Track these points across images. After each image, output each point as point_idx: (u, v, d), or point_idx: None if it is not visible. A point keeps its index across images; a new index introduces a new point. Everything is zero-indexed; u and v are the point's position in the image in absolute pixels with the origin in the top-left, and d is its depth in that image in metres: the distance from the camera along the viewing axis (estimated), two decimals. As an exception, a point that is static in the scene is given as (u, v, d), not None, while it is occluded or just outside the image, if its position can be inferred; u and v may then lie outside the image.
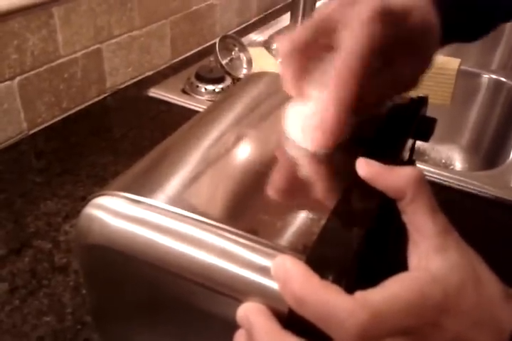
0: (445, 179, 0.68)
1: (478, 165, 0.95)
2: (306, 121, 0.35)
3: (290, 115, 0.38)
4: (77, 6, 0.77)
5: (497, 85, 0.95)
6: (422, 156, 1.00)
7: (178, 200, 0.31)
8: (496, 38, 1.22)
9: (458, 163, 0.99)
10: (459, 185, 0.67)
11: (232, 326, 0.28)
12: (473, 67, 1.00)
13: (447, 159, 1.00)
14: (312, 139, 0.34)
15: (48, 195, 0.62)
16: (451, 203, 0.64)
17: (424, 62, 0.38)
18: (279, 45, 0.36)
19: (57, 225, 0.57)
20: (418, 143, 0.80)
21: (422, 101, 0.43)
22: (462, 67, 0.91)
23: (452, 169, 0.96)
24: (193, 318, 0.31)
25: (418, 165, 0.70)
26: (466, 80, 0.96)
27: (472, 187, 0.66)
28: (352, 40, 0.32)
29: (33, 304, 0.47)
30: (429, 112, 0.47)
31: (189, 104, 0.83)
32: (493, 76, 0.96)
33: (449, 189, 0.67)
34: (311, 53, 0.36)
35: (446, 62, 0.94)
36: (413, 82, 0.39)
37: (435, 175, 0.68)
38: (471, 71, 0.97)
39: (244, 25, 1.20)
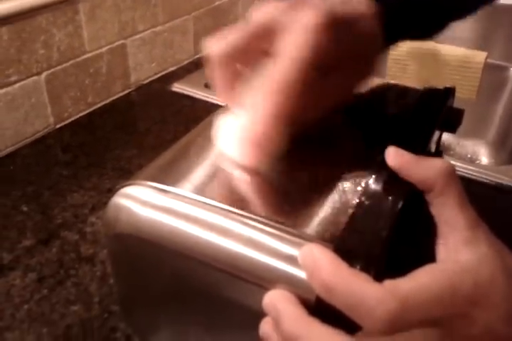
0: (471, 173, 0.67)
1: (504, 160, 0.93)
2: (238, 133, 0.32)
3: (222, 126, 0.34)
4: (103, 1, 0.78)
5: (525, 78, 0.93)
6: (448, 151, 0.99)
7: (203, 190, 0.31)
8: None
9: (484, 157, 0.98)
10: (485, 179, 0.66)
11: (259, 314, 0.28)
12: (501, 60, 0.98)
13: (473, 154, 0.99)
14: (243, 153, 0.31)
15: (75, 188, 0.63)
16: (477, 197, 0.63)
17: (366, 71, 0.36)
18: (210, 49, 0.33)
19: (83, 217, 0.58)
20: (443, 137, 0.79)
21: (449, 92, 0.42)
22: (488, 60, 0.89)
23: (478, 163, 0.95)
24: (220, 307, 0.32)
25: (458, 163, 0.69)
26: (492, 73, 0.94)
27: (498, 181, 0.65)
28: (293, 47, 0.29)
29: (61, 293, 0.48)
30: (455, 106, 0.47)
31: (212, 98, 0.83)
32: (521, 69, 0.94)
33: (475, 183, 0.66)
34: (245, 58, 0.33)
35: (472, 55, 0.92)
36: (352, 91, 0.37)
37: (461, 169, 0.67)
38: (497, 64, 0.95)
39: (266, 20, 1.20)
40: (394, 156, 0.30)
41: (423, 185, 0.28)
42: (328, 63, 0.32)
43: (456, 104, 0.43)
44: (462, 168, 0.67)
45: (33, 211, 0.59)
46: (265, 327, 0.27)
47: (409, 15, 0.37)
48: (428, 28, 0.40)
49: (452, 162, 0.68)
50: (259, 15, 0.32)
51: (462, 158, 0.97)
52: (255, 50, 0.32)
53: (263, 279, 0.28)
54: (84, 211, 0.59)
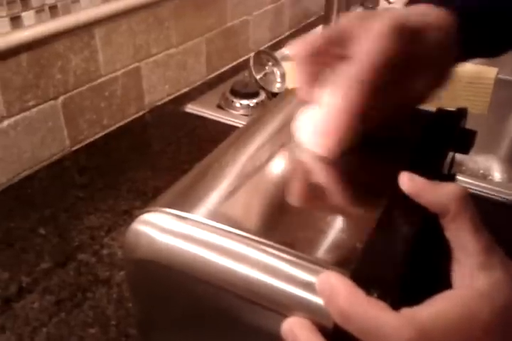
0: (482, 190, 0.67)
1: (518, 176, 0.93)
2: (316, 127, 0.37)
3: (301, 119, 0.39)
4: (118, 26, 0.80)
5: (536, 94, 0.93)
6: (460, 167, 0.99)
7: (221, 216, 0.32)
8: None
9: (497, 173, 0.97)
10: (495, 196, 0.66)
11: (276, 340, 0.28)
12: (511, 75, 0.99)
13: (485, 170, 0.98)
14: (320, 144, 0.36)
15: (91, 210, 0.64)
16: (489, 214, 0.63)
17: (437, 79, 0.38)
18: (294, 48, 0.37)
19: (99, 239, 0.59)
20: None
21: (462, 113, 0.43)
22: (500, 76, 0.90)
23: (490, 180, 0.94)
24: (238, 332, 0.32)
25: (458, 176, 0.69)
26: (503, 89, 0.94)
27: (510, 197, 0.65)
28: (367, 52, 0.33)
29: (78, 316, 0.48)
30: (467, 122, 0.47)
31: (224, 118, 0.84)
32: (532, 85, 0.94)
33: (487, 200, 0.66)
34: (324, 61, 0.37)
35: (483, 71, 0.93)
36: (425, 97, 0.39)
37: (472, 186, 0.67)
38: (509, 79, 0.95)
39: (277, 39, 1.21)
40: (407, 181, 0.31)
41: (437, 210, 0.29)
42: (400, 68, 0.35)
43: (468, 119, 0.44)
44: (473, 184, 0.67)
45: (50, 234, 0.60)
46: (284, 353, 0.27)
47: (485, 30, 0.39)
48: (501, 45, 0.42)
49: (463, 179, 0.68)
50: (339, 24, 0.36)
51: (474, 174, 0.97)
52: (333, 54, 0.36)
53: (281, 306, 0.28)
54: (100, 233, 0.60)
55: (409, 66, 0.36)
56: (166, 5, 0.87)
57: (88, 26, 0.75)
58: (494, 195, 0.66)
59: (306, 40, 0.37)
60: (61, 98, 0.74)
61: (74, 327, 0.47)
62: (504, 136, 0.98)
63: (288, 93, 0.53)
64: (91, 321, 0.48)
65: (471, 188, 0.67)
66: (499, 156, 0.99)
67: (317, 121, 0.36)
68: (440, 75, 0.39)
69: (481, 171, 0.98)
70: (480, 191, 0.67)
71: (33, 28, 0.68)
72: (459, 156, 1.01)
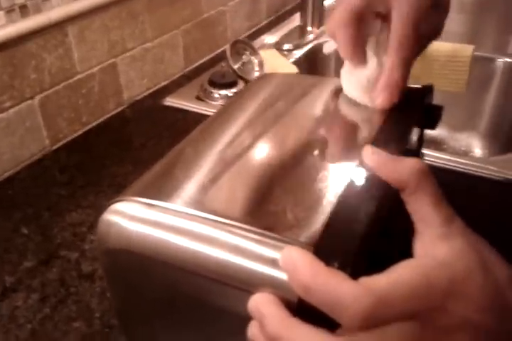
0: (464, 166, 0.67)
1: (498, 151, 0.93)
2: (365, 82, 0.40)
3: (348, 77, 0.42)
4: (91, 23, 0.79)
5: (512, 69, 0.94)
6: (441, 145, 0.99)
7: (191, 202, 0.32)
8: (510, 20, 1.20)
9: (478, 149, 0.98)
10: (475, 171, 0.66)
11: (249, 319, 0.28)
12: (488, 52, 0.99)
13: (467, 147, 0.99)
14: (381, 97, 0.39)
15: (73, 207, 0.64)
16: (468, 189, 0.64)
17: (445, 13, 0.43)
18: (336, 12, 0.40)
19: (82, 235, 0.59)
20: (436, 132, 0.79)
21: (428, 89, 0.43)
22: (476, 53, 0.90)
23: (472, 156, 0.95)
24: (212, 314, 0.32)
25: (436, 153, 0.70)
26: (481, 66, 0.94)
27: (488, 172, 0.65)
28: (406, 7, 0.37)
29: (62, 311, 0.49)
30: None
31: (204, 110, 0.84)
32: (508, 59, 0.94)
33: (469, 176, 0.67)
34: (366, 20, 0.40)
35: (459, 49, 0.93)
36: (440, 29, 0.43)
37: (454, 163, 0.67)
38: (485, 56, 0.96)
39: (255, 28, 1.21)
40: (370, 155, 0.31)
41: (397, 184, 0.29)
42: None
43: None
44: (452, 161, 0.68)
45: (33, 232, 0.60)
46: (252, 329, 0.27)
47: None
48: None
49: (442, 156, 0.69)
50: None
51: (456, 152, 0.98)
52: (373, 13, 0.40)
53: (249, 284, 0.28)
54: (82, 229, 0.60)
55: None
56: (138, -1, 0.87)
57: (60, 24, 0.75)
58: (476, 170, 0.67)
59: (348, 3, 0.39)
60: (38, 97, 0.74)
61: (58, 322, 0.48)
62: (483, 112, 0.98)
63: (261, 79, 0.53)
64: (75, 315, 0.48)
65: (453, 165, 0.68)
66: (479, 133, 1.00)
67: (370, 78, 0.40)
68: (445, 10, 0.43)
69: (463, 148, 0.99)
70: (462, 168, 0.67)
71: (3, 29, 0.67)
72: (439, 135, 1.02)
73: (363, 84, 0.41)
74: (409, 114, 0.40)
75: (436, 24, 0.42)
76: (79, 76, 0.80)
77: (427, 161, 0.67)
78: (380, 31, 0.41)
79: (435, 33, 0.43)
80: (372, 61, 0.40)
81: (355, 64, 0.41)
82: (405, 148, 0.38)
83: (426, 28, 0.40)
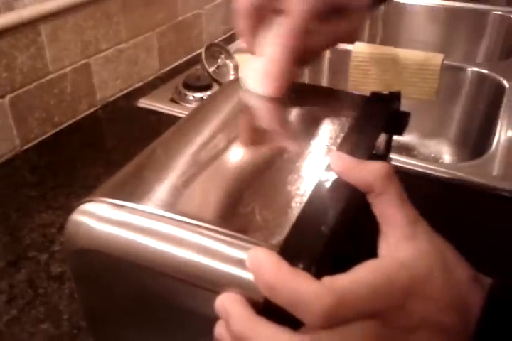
0: (433, 172, 0.69)
1: (466, 157, 0.96)
2: (259, 72, 0.43)
3: (246, 68, 0.45)
4: (64, 22, 0.79)
5: (481, 78, 0.96)
6: (412, 151, 1.01)
7: (161, 203, 0.32)
8: (480, 31, 1.24)
9: (447, 156, 1.01)
10: (444, 177, 0.68)
11: (216, 319, 0.29)
12: (458, 61, 1.02)
13: (436, 153, 1.01)
14: (264, 85, 0.42)
15: (43, 208, 0.63)
16: (437, 194, 0.66)
17: (356, 21, 0.44)
18: (238, 3, 0.42)
19: (51, 236, 0.58)
20: (407, 138, 0.80)
21: (395, 95, 0.44)
22: (446, 62, 0.92)
23: (441, 162, 0.97)
24: (181, 316, 0.32)
25: (407, 159, 0.71)
26: (450, 74, 0.97)
27: (456, 178, 0.67)
28: (297, 6, 0.40)
29: (30, 313, 0.48)
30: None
31: (178, 112, 0.84)
32: (476, 69, 0.97)
33: (439, 181, 0.69)
34: (264, 15, 0.42)
35: (429, 57, 0.95)
36: (351, 36, 0.45)
37: (421, 169, 0.69)
38: (454, 65, 0.98)
39: (230, 32, 1.22)
40: (337, 160, 0.32)
41: (363, 187, 0.30)
42: (326, 14, 0.42)
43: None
44: (422, 167, 0.69)
45: (1, 233, 0.59)
46: (219, 329, 0.28)
47: None
48: None
49: (412, 161, 0.70)
50: None
51: (426, 158, 1.00)
52: (271, 9, 0.42)
53: (216, 284, 0.29)
54: (52, 230, 0.59)
55: (334, 11, 0.42)
56: (113, 0, 0.87)
57: (33, 23, 0.74)
58: (445, 176, 0.68)
59: None
60: (8, 97, 0.73)
61: (25, 323, 0.47)
62: (453, 119, 1.01)
63: (232, 82, 0.54)
64: (43, 317, 0.48)
65: (422, 171, 0.69)
66: (449, 139, 1.02)
67: (260, 68, 0.42)
68: (357, 19, 0.44)
69: (433, 155, 1.01)
70: (431, 173, 0.69)
71: (-27, 26, 0.66)
72: (410, 141, 1.04)
73: (258, 74, 0.43)
74: (376, 119, 0.41)
75: (342, 30, 0.44)
76: (51, 76, 0.79)
77: (396, 167, 0.68)
78: (279, 25, 0.43)
79: (340, 37, 0.44)
80: (265, 53, 0.43)
81: (252, 54, 0.44)
82: (372, 153, 0.38)
83: (328, 29, 0.42)
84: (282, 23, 0.41)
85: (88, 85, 0.86)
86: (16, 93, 0.74)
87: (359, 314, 0.24)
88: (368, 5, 0.44)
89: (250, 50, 0.44)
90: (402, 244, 0.28)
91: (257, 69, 0.43)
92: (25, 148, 0.77)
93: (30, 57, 0.75)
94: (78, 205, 0.34)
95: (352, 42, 0.47)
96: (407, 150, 1.01)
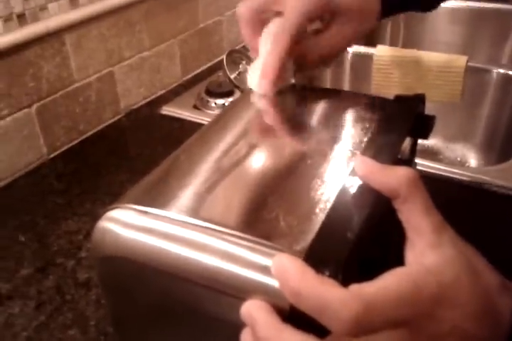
0: (459, 177, 0.68)
1: (493, 161, 0.94)
2: (257, 71, 0.45)
3: (250, 69, 0.47)
4: (88, 31, 0.80)
5: (506, 79, 0.94)
6: (437, 155, 1.00)
7: (185, 209, 0.33)
8: (504, 32, 1.22)
9: (473, 160, 0.99)
10: (470, 182, 0.67)
11: (242, 326, 0.29)
12: (482, 63, 1.00)
13: (462, 157, 1.00)
14: (259, 85, 0.44)
15: (69, 215, 0.64)
16: (463, 199, 0.64)
17: (361, 25, 0.46)
18: (240, 9, 0.45)
19: (78, 243, 0.59)
20: (432, 142, 0.79)
21: (419, 99, 0.43)
22: (470, 64, 0.91)
23: (468, 167, 0.96)
24: (206, 321, 0.32)
25: (432, 164, 0.70)
26: (475, 76, 0.95)
27: (483, 182, 0.66)
28: (292, 6, 0.42)
29: (58, 319, 0.49)
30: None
31: (201, 119, 0.85)
32: (502, 70, 0.95)
33: (465, 186, 0.67)
34: (266, 19, 0.45)
35: (453, 59, 0.94)
36: (351, 41, 0.47)
37: (446, 173, 0.68)
38: (479, 67, 0.96)
39: (251, 38, 1.22)
40: (361, 165, 0.31)
41: (388, 193, 0.30)
42: (325, 18, 0.45)
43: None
44: (447, 171, 0.68)
45: (29, 240, 0.60)
46: (244, 336, 0.28)
47: None
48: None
49: (437, 166, 0.69)
50: None
51: (452, 162, 0.98)
52: (272, 11, 0.45)
53: (241, 291, 0.29)
54: (78, 237, 0.60)
55: (334, 16, 0.45)
56: (136, 8, 0.88)
57: (58, 33, 0.75)
58: (470, 180, 0.67)
59: (250, 1, 0.45)
60: (35, 106, 0.74)
61: (53, 329, 0.48)
62: (479, 122, 0.99)
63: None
64: (70, 323, 0.48)
65: (448, 176, 0.68)
66: (475, 143, 1.00)
67: (258, 67, 0.45)
68: (364, 23, 0.46)
69: (458, 159, 0.99)
70: (456, 177, 0.68)
71: (1, 37, 0.68)
72: (435, 145, 1.02)
73: (256, 73, 0.45)
74: (401, 123, 0.40)
75: (346, 36, 0.46)
76: (76, 84, 0.80)
77: (422, 171, 0.68)
78: (273, 25, 0.45)
79: (343, 42, 0.47)
80: (261, 51, 0.45)
81: (254, 55, 0.46)
82: (397, 158, 0.38)
83: (329, 33, 0.44)
84: (276, 23, 0.43)
85: (112, 93, 0.87)
86: (42, 102, 0.75)
87: (387, 321, 0.24)
88: (375, 13, 0.45)
89: (255, 54, 0.46)
90: (428, 251, 0.27)
91: (256, 68, 0.45)
92: (51, 156, 0.78)
93: (56, 66, 0.76)
94: (104, 212, 0.34)
95: (350, 46, 0.49)
96: (432, 154, 1.00)
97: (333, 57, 0.48)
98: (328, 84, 1.11)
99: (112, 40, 0.85)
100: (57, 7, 0.75)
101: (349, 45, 0.48)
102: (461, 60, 0.92)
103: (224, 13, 1.11)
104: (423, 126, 0.43)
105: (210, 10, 1.06)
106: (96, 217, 0.34)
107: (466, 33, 1.24)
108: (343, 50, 0.49)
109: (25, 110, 0.73)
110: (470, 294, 0.26)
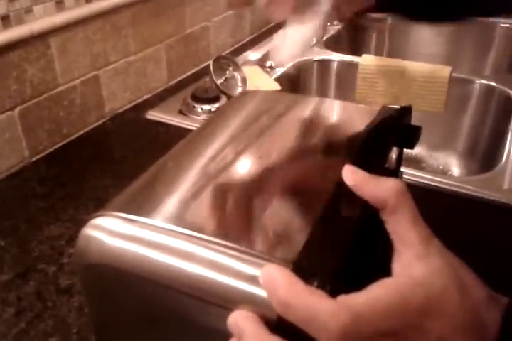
0: (442, 185, 0.69)
1: (475, 170, 0.95)
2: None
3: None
4: (73, 35, 0.80)
5: (488, 90, 0.96)
6: (420, 163, 1.01)
7: (172, 217, 0.32)
8: (487, 44, 1.24)
9: (455, 168, 1.00)
10: (453, 191, 0.68)
11: (227, 336, 0.28)
12: (466, 74, 1.02)
13: (445, 165, 1.01)
14: (275, 12, 0.42)
15: (52, 220, 0.63)
16: (446, 208, 0.65)
17: None
18: None
19: (60, 248, 0.58)
20: (415, 150, 0.80)
21: (406, 110, 0.44)
22: (454, 75, 0.92)
23: (450, 175, 0.97)
24: (192, 332, 0.32)
25: (415, 172, 0.71)
26: (458, 87, 0.97)
27: (466, 191, 0.67)
28: None
29: (39, 326, 0.48)
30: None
31: (186, 124, 0.85)
32: (484, 81, 0.97)
33: (448, 194, 0.68)
34: None
35: (437, 70, 0.95)
36: None
37: (429, 182, 0.69)
38: (463, 78, 0.98)
39: (238, 44, 1.22)
40: (350, 174, 0.31)
41: (376, 203, 0.30)
42: None
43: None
44: (430, 180, 0.69)
45: (9, 245, 0.59)
46: (231, 346, 0.28)
47: None
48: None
49: (421, 174, 0.70)
50: None
51: (434, 170, 0.99)
52: None
53: (227, 300, 0.28)
54: (61, 243, 0.59)
55: None
56: (122, 13, 0.87)
57: (43, 36, 0.75)
58: (454, 189, 0.68)
59: None
60: (18, 108, 0.73)
61: (34, 337, 0.47)
62: (461, 132, 1.01)
63: (242, 95, 0.54)
64: (51, 330, 0.47)
65: (431, 184, 0.69)
66: (457, 152, 1.02)
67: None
68: None
69: (441, 167, 1.01)
70: (440, 186, 0.69)
71: (-17, 39, 0.67)
72: (419, 153, 1.03)
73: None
74: (388, 133, 0.41)
75: None
76: (60, 88, 0.80)
77: (405, 179, 0.68)
78: None
79: None
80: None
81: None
82: (384, 167, 0.38)
83: None
84: None
85: (97, 97, 0.87)
86: (25, 105, 0.74)
87: (374, 332, 0.24)
88: None
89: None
90: (415, 263, 0.28)
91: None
92: (34, 159, 0.77)
93: (40, 69, 0.75)
94: (89, 219, 0.34)
95: None
96: (415, 162, 1.01)
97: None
98: (314, 92, 1.12)
99: (98, 43, 0.84)
100: (43, 10, 0.74)
101: None
102: (446, 71, 0.94)
103: (211, 19, 1.11)
104: (409, 136, 0.44)
105: (197, 15, 1.06)
106: (79, 223, 0.33)
107: (450, 44, 1.26)
108: None
109: (8, 113, 0.72)
110: (457, 306, 0.26)
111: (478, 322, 0.26)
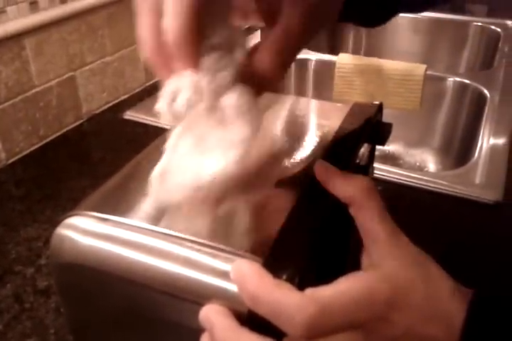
0: (418, 181, 0.70)
1: (450, 166, 0.97)
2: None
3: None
4: (48, 36, 0.79)
5: (463, 87, 0.98)
6: (397, 160, 1.02)
7: (145, 216, 0.33)
8: (462, 42, 1.26)
9: (432, 164, 1.02)
10: (431, 186, 0.69)
11: (201, 332, 0.29)
12: (441, 72, 1.03)
13: (421, 162, 1.02)
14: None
15: (29, 222, 0.63)
16: (426, 204, 0.66)
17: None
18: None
19: (38, 250, 0.58)
20: (392, 148, 0.81)
21: (377, 107, 0.45)
22: (429, 72, 0.94)
23: (426, 171, 0.98)
24: (167, 328, 0.32)
25: (392, 169, 0.72)
26: (433, 85, 0.98)
27: (440, 186, 0.68)
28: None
29: (16, 328, 0.48)
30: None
31: (165, 124, 0.84)
32: (458, 79, 0.99)
33: (424, 190, 0.69)
34: None
35: (413, 68, 0.96)
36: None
37: (406, 178, 0.70)
38: (437, 75, 1.00)
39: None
40: (320, 170, 0.32)
41: (345, 199, 0.30)
42: None
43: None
44: (405, 176, 0.70)
45: (-14, 248, 0.59)
46: (203, 340, 0.28)
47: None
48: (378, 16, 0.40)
49: (396, 170, 0.71)
50: None
51: (411, 167, 1.01)
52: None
53: (201, 296, 0.29)
54: (38, 244, 0.59)
55: None
56: (98, 13, 0.87)
57: (17, 37, 0.74)
58: (430, 185, 0.69)
59: None
60: (-7, 110, 0.73)
61: (11, 339, 0.47)
62: (436, 128, 1.02)
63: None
64: (29, 332, 0.47)
65: (408, 181, 0.70)
66: (433, 148, 1.03)
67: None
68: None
69: (418, 163, 1.02)
70: (417, 183, 0.70)
71: (-43, 41, 0.66)
72: (396, 151, 1.05)
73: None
74: (359, 130, 0.41)
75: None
76: (36, 89, 0.79)
77: (382, 176, 0.69)
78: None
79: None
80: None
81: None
82: (356, 163, 0.39)
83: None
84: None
85: (74, 98, 0.86)
86: (0, 106, 0.74)
87: (341, 325, 0.24)
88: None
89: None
90: (383, 257, 0.28)
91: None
92: (10, 161, 0.76)
93: (15, 71, 0.75)
94: (63, 219, 0.34)
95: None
96: (392, 159, 1.02)
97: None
98: (292, 90, 1.12)
99: (74, 44, 0.84)
100: (17, 10, 0.74)
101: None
102: (421, 69, 0.95)
103: (188, 19, 1.11)
104: (380, 133, 0.45)
105: (174, 15, 1.06)
106: (57, 224, 0.33)
107: (426, 42, 1.28)
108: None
109: (-17, 115, 0.71)
110: (424, 298, 0.27)
111: (444, 314, 0.27)
